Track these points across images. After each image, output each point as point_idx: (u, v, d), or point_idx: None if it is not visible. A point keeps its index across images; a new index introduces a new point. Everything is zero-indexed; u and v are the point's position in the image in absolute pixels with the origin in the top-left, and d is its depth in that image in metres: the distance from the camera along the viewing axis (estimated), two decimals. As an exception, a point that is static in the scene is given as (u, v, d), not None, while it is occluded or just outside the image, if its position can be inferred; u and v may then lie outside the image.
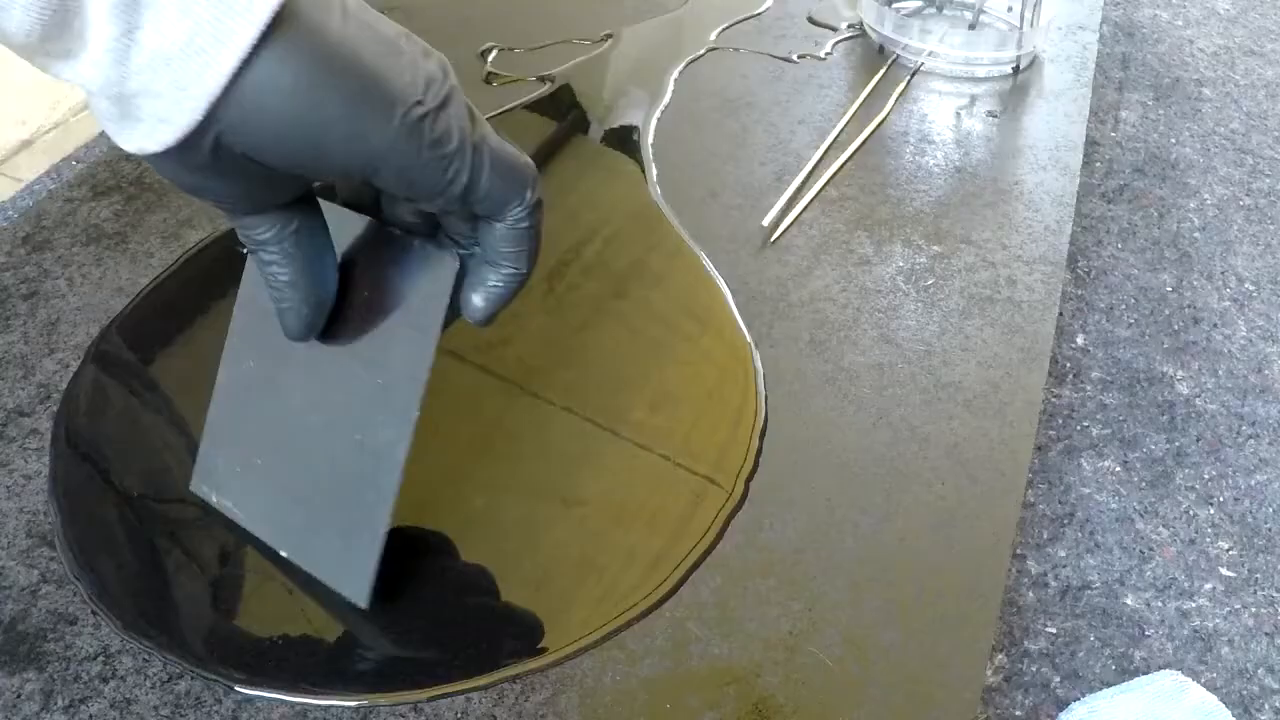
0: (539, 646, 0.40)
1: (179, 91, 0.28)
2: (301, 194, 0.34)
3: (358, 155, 0.31)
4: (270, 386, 0.41)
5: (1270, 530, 0.80)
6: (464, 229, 0.36)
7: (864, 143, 0.67)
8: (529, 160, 0.34)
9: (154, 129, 0.29)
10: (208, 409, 0.42)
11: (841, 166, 0.65)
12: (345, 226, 0.37)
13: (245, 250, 0.35)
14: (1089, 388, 0.91)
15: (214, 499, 0.42)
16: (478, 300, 0.36)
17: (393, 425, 0.37)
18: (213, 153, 0.30)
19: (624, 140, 0.66)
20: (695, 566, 0.42)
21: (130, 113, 0.29)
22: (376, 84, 0.30)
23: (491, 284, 0.35)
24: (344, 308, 0.38)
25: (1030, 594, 0.75)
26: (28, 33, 0.27)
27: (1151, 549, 0.78)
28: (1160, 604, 0.75)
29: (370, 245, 0.37)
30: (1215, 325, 0.98)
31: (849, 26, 0.79)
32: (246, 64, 0.28)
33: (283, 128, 0.29)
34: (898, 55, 0.75)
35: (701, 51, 0.76)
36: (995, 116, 0.71)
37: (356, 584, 0.39)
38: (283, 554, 0.41)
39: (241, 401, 0.42)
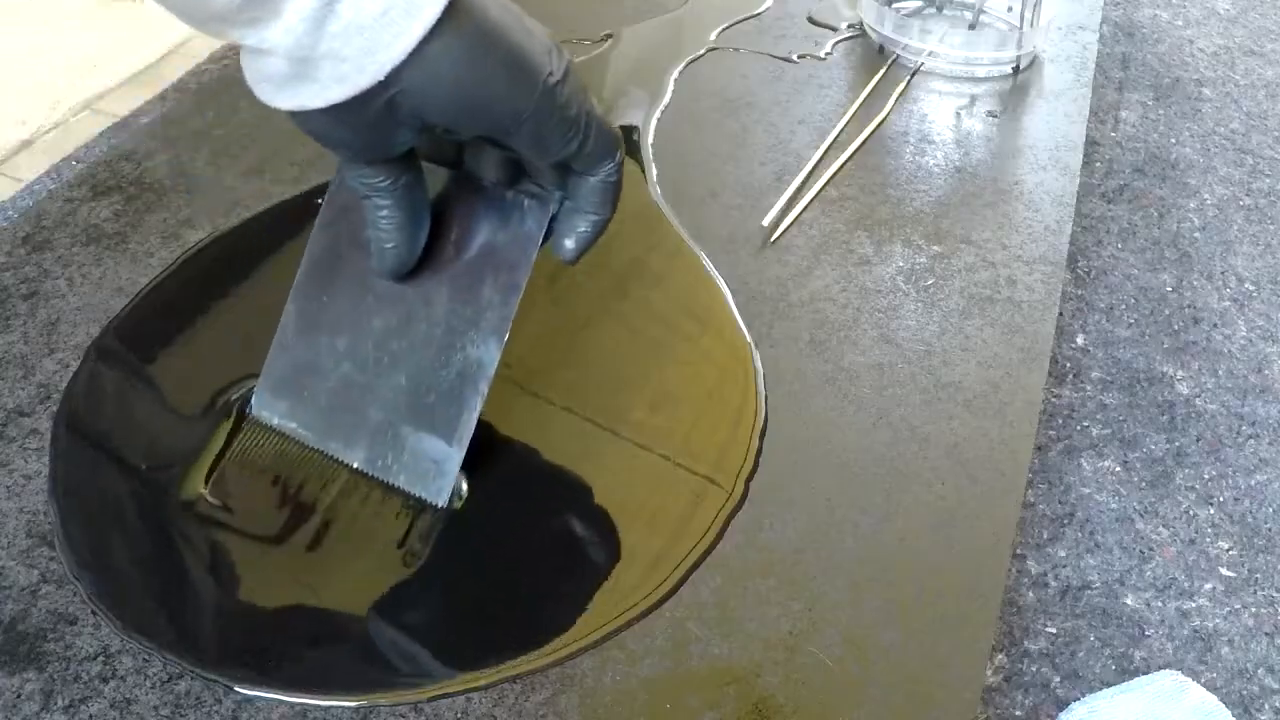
0: (539, 646, 0.40)
1: (366, 57, 0.33)
2: (410, 149, 0.39)
3: (505, 116, 0.36)
4: (347, 319, 0.45)
5: (1270, 530, 0.80)
6: (553, 181, 0.41)
7: (864, 143, 0.67)
8: (617, 127, 0.40)
9: (325, 88, 0.33)
10: (272, 341, 0.46)
11: (841, 166, 0.65)
12: (433, 179, 0.42)
13: (361, 197, 0.40)
14: (1089, 388, 0.91)
15: (276, 421, 0.46)
16: (569, 243, 0.42)
17: (482, 346, 0.42)
18: (385, 109, 0.34)
19: (624, 140, 0.66)
20: (695, 566, 0.42)
21: (306, 74, 0.33)
22: (523, 56, 0.35)
23: (581, 229, 0.41)
24: (431, 248, 0.43)
25: (1030, 594, 0.75)
26: (229, 3, 0.31)
27: (1151, 549, 0.78)
28: (1160, 604, 0.75)
29: (457, 195, 0.43)
30: (1215, 325, 0.98)
31: (849, 26, 0.79)
32: (429, 36, 0.33)
33: (451, 91, 0.34)
34: (898, 55, 0.75)
35: (701, 51, 0.76)
36: (995, 116, 0.71)
37: (437, 486, 0.43)
38: (355, 465, 0.45)
39: (312, 333, 0.45)
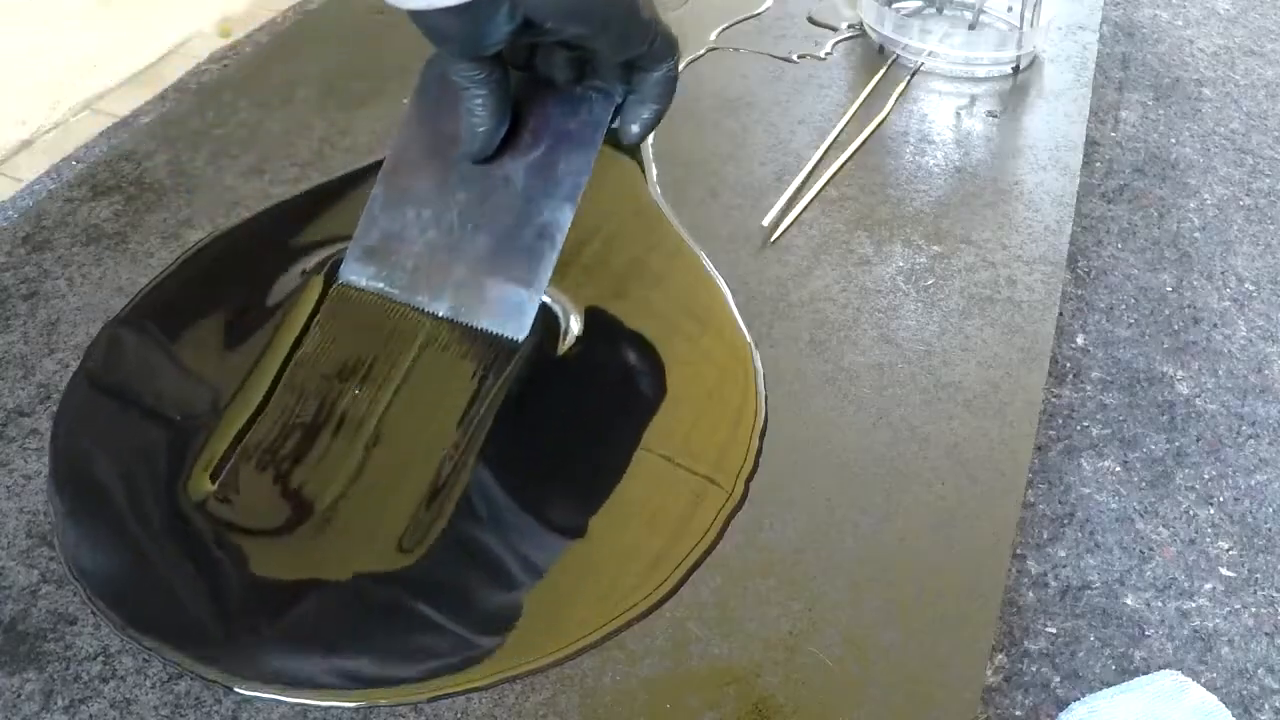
0: (539, 646, 0.40)
1: None
2: (500, 50, 0.45)
3: (599, 19, 0.43)
4: (432, 195, 0.52)
5: (1270, 530, 0.80)
6: (617, 78, 0.50)
7: (864, 143, 0.67)
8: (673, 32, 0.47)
9: None
10: (361, 217, 0.53)
11: (841, 166, 0.65)
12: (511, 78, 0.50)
13: (460, 88, 0.47)
14: (1089, 388, 0.91)
15: (364, 283, 0.52)
16: (635, 128, 0.50)
17: (558, 210, 0.50)
18: (503, 9, 0.41)
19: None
20: (695, 566, 0.42)
21: None
22: None
23: (645, 116, 0.49)
24: (508, 137, 0.50)
25: (1030, 594, 0.75)
26: None
27: (1151, 549, 0.78)
28: (1160, 604, 0.75)
29: (531, 92, 0.51)
30: (1215, 325, 0.98)
31: (849, 26, 0.79)
32: None
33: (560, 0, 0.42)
34: (898, 55, 0.75)
35: (701, 51, 0.76)
36: (995, 116, 0.71)
37: (517, 324, 0.50)
38: (440, 314, 0.51)
39: (398, 208, 0.52)
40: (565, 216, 0.50)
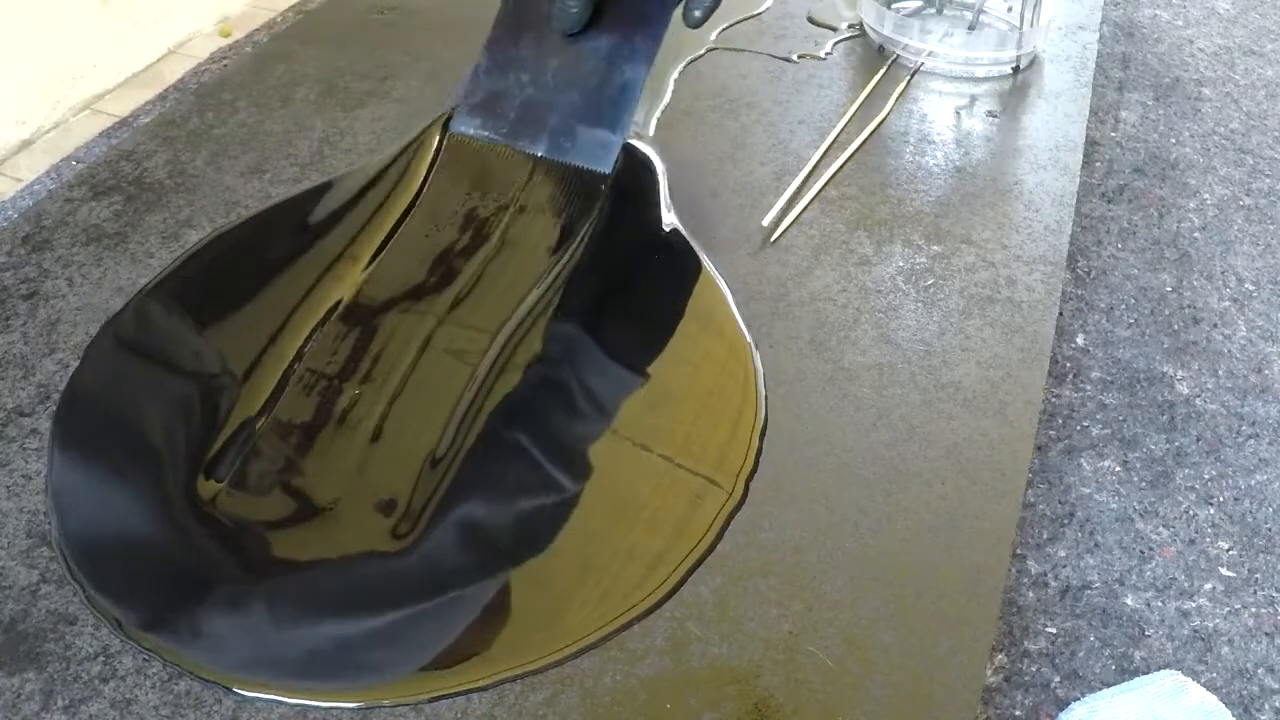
0: (539, 646, 0.40)
1: None
2: None
3: None
4: (529, 62, 0.62)
5: (1270, 530, 0.80)
6: None
7: (864, 143, 0.67)
8: None
9: None
10: (465, 80, 0.63)
11: (841, 166, 0.65)
12: None
13: None
14: (1089, 388, 0.91)
15: (472, 132, 0.62)
16: (698, 13, 0.58)
17: (636, 71, 0.60)
18: None
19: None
20: (695, 566, 0.42)
21: None
22: None
23: (706, 3, 0.58)
24: (593, 19, 0.60)
25: (1030, 594, 0.75)
26: None
27: (1151, 549, 0.78)
28: (1160, 604, 0.75)
29: None
30: (1215, 325, 0.98)
31: (849, 26, 0.79)
32: None
33: None
34: (898, 55, 0.75)
35: (701, 51, 0.76)
36: (995, 116, 0.71)
37: (605, 160, 0.59)
38: (538, 154, 0.60)
39: (500, 73, 0.62)
40: (642, 74, 0.60)
